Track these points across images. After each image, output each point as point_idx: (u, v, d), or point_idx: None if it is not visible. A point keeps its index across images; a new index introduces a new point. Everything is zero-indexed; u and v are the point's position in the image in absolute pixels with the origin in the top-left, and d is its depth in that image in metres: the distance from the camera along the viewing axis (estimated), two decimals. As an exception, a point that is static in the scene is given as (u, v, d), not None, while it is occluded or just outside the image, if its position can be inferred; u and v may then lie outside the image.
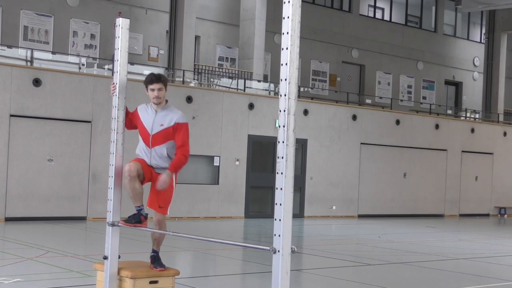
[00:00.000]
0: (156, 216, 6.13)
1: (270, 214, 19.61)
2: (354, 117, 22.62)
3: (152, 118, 6.11)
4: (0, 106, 16.18)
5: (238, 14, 23.04)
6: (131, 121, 6.22)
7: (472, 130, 26.27)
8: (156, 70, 20.92)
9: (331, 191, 21.92)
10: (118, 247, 6.00)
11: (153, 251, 6.18)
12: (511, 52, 33.13)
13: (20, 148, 16.40)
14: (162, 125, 6.07)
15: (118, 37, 6.06)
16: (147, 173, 6.11)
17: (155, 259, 6.11)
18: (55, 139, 16.89)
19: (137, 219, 6.06)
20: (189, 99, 18.68)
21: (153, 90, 6.07)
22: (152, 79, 6.09)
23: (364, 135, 22.83)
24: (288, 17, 4.09)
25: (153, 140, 6.08)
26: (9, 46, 18.58)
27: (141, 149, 6.18)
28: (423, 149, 24.56)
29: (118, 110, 6.05)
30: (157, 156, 6.09)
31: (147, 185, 6.14)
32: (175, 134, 6.07)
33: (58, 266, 9.76)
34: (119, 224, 5.98)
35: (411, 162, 24.20)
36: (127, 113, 6.19)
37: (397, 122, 23.81)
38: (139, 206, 6.09)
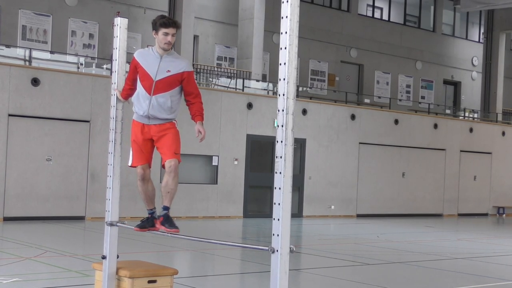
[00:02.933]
0: (170, 162, 5.57)
1: (268, 214, 19.60)
2: (353, 117, 22.63)
3: (157, 63, 5.64)
4: (-1, 106, 16.18)
5: (237, 13, 23.04)
6: (132, 75, 5.76)
7: (471, 130, 26.29)
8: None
9: (329, 190, 21.93)
10: (116, 247, 6.00)
11: (164, 207, 5.62)
12: (509, 51, 33.15)
13: (18, 147, 16.38)
14: (168, 71, 5.61)
15: (117, 36, 6.05)
16: (149, 151, 5.77)
17: (167, 218, 5.59)
18: (54, 138, 16.88)
19: (150, 223, 5.82)
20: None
21: (166, 34, 5.58)
22: (169, 22, 5.59)
23: (362, 135, 22.84)
24: (286, 17, 4.09)
25: (156, 87, 5.61)
26: (8, 46, 18.57)
27: (138, 98, 5.70)
28: (422, 149, 24.57)
29: (116, 109, 6.04)
30: (158, 105, 5.62)
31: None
32: (187, 83, 5.69)
33: (56, 265, 9.75)
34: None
35: (410, 162, 24.21)
36: (126, 81, 5.85)
37: (396, 121, 23.82)
38: (151, 209, 5.86)
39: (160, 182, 5.96)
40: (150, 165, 5.82)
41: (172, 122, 5.74)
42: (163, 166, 5.64)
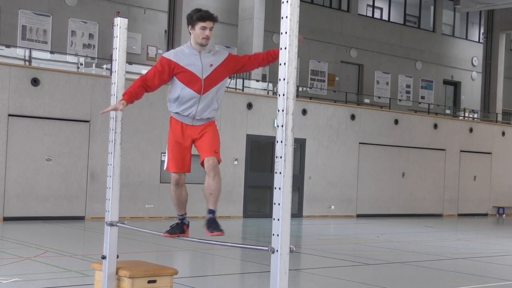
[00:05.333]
0: (208, 160, 5.29)
1: (268, 214, 19.60)
2: (353, 117, 22.63)
3: (199, 60, 5.36)
4: (-1, 106, 16.19)
5: (237, 13, 23.04)
6: (160, 78, 5.35)
7: (471, 130, 26.29)
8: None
9: (329, 190, 21.93)
10: (116, 247, 6.00)
11: (209, 211, 5.29)
12: (509, 51, 33.16)
13: (18, 147, 16.38)
14: (211, 65, 5.36)
15: (117, 36, 6.05)
16: (189, 156, 5.50)
17: (211, 222, 5.24)
18: (54, 138, 16.88)
19: (180, 229, 5.58)
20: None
21: (204, 28, 5.33)
22: (206, 15, 5.35)
23: (362, 135, 22.84)
24: (286, 17, 4.09)
25: (205, 85, 5.34)
26: (8, 46, 18.57)
27: (182, 100, 5.37)
28: (422, 149, 24.57)
29: (116, 109, 6.04)
30: (206, 104, 5.38)
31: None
32: (236, 62, 5.47)
33: (56, 265, 9.75)
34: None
35: (410, 162, 24.21)
36: (146, 79, 5.35)
37: (396, 121, 23.82)
38: (182, 215, 5.64)
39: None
40: (187, 170, 5.54)
41: (213, 120, 5.54)
42: (201, 165, 5.37)
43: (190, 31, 5.40)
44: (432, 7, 31.66)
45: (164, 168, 5.58)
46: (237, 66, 5.51)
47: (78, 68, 19.02)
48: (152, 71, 5.39)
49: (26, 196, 16.49)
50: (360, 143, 22.79)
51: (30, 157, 16.52)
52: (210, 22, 5.37)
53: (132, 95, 5.35)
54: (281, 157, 4.08)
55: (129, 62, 18.82)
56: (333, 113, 22.21)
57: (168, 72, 5.36)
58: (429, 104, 28.52)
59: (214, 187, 5.28)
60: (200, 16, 5.34)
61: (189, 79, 5.34)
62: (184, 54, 5.39)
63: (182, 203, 5.65)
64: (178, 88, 5.39)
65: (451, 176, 25.50)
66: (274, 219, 4.11)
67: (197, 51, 5.39)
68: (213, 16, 5.40)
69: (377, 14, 29.66)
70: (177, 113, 5.46)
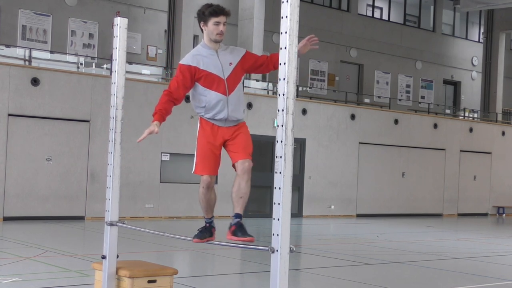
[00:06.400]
0: (244, 163, 5.09)
1: (268, 214, 19.59)
2: (353, 117, 22.62)
3: (217, 60, 5.20)
4: (-2, 106, 16.18)
5: (237, 13, 23.02)
6: (184, 86, 5.24)
7: (471, 130, 26.29)
8: (154, 70, 20.91)
9: (329, 190, 21.92)
10: (116, 247, 6.00)
11: (237, 215, 5.12)
12: (509, 51, 33.16)
13: (18, 147, 16.38)
14: (231, 63, 5.23)
15: (116, 36, 6.05)
16: (219, 158, 5.31)
17: (239, 227, 5.06)
18: (54, 138, 16.88)
19: (209, 233, 5.41)
20: (187, 99, 18.64)
21: (218, 23, 5.12)
22: (219, 9, 5.13)
23: (362, 135, 22.84)
24: (286, 17, 4.09)
25: (229, 85, 5.22)
26: (8, 46, 18.57)
27: (211, 105, 5.21)
28: (422, 149, 24.57)
29: (116, 109, 6.04)
30: (235, 104, 5.24)
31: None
32: (252, 59, 5.35)
33: (56, 265, 9.75)
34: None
35: (410, 162, 24.21)
36: (171, 93, 5.25)
37: (396, 121, 23.82)
38: (210, 218, 5.48)
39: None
40: (217, 172, 5.38)
41: (244, 121, 5.39)
42: (233, 167, 5.20)
43: (203, 28, 5.21)
44: (432, 7, 31.66)
45: (192, 172, 5.39)
46: (255, 64, 5.41)
47: (78, 68, 19.02)
48: (175, 83, 5.27)
49: (26, 196, 16.48)
50: (360, 143, 22.79)
51: (30, 157, 16.52)
52: (223, 17, 5.16)
53: (163, 113, 5.25)
54: (281, 157, 4.08)
55: (129, 62, 18.83)
56: (333, 113, 22.21)
57: (190, 78, 5.22)
58: (429, 104, 28.52)
59: (245, 191, 5.11)
60: (212, 10, 5.14)
61: (212, 81, 5.20)
62: (202, 56, 5.23)
63: (211, 206, 5.47)
64: (202, 93, 5.26)
65: (451, 176, 25.50)
66: (274, 219, 4.11)
67: (214, 50, 5.23)
68: (226, 10, 5.18)
69: (377, 14, 29.65)
70: (211, 119, 5.30)
